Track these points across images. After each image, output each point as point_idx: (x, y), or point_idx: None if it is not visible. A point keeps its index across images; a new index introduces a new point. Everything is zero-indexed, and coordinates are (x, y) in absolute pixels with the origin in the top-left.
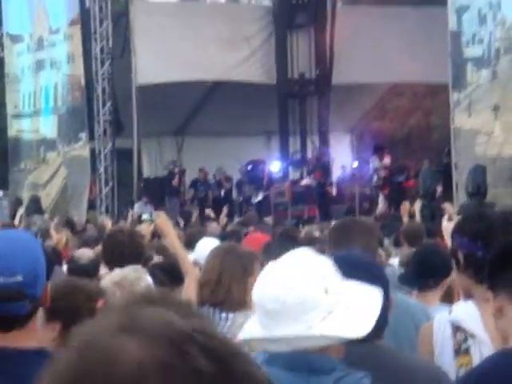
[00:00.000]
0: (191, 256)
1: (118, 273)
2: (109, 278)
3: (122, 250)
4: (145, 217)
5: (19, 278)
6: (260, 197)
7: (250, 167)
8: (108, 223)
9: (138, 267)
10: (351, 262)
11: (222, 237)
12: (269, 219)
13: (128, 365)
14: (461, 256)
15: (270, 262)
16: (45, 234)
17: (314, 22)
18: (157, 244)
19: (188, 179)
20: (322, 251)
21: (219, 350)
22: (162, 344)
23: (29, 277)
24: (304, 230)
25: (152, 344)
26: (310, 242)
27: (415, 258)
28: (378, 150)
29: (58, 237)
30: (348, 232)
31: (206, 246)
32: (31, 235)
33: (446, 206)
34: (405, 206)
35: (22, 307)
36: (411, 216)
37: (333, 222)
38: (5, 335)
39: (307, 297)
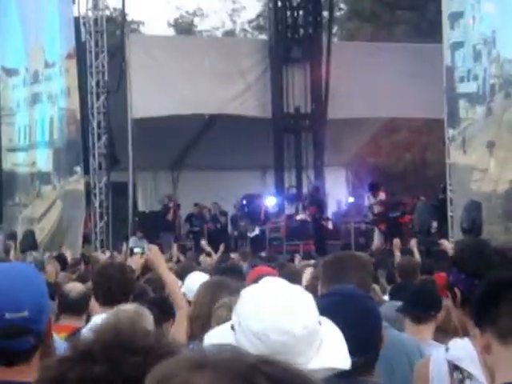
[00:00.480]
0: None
1: (121, 308)
2: (114, 312)
3: (112, 284)
4: (136, 250)
5: (25, 314)
6: (256, 231)
7: (244, 202)
8: (102, 258)
9: (140, 307)
10: (346, 296)
11: (217, 271)
12: (264, 254)
13: None
14: (458, 291)
15: (249, 289)
16: (40, 267)
17: (310, 57)
18: (149, 277)
19: (184, 213)
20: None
21: (284, 378)
22: (231, 376)
23: (34, 312)
24: (297, 261)
25: (222, 377)
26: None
27: (413, 289)
28: (374, 187)
29: (50, 269)
30: (342, 266)
31: (196, 280)
32: (35, 269)
33: (444, 242)
34: (396, 243)
35: (26, 342)
36: (410, 253)
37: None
38: (9, 369)
39: (313, 328)
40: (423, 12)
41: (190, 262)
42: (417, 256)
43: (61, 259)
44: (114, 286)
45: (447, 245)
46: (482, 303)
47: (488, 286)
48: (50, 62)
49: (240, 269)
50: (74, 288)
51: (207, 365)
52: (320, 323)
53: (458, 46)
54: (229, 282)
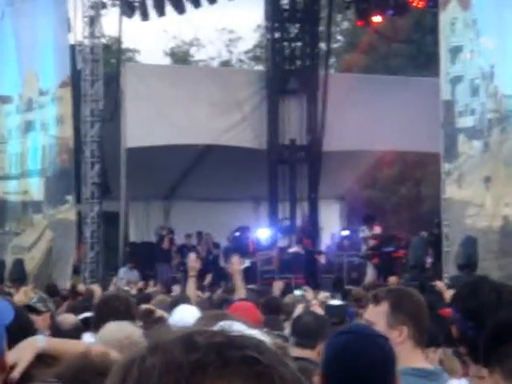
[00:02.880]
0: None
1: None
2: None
3: (117, 318)
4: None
5: None
6: (247, 263)
7: (237, 234)
8: (97, 290)
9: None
10: (361, 335)
11: (208, 305)
12: (254, 287)
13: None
14: (456, 330)
15: None
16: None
17: (307, 89)
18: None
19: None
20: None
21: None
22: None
23: None
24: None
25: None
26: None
27: None
28: (368, 220)
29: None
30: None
31: (184, 312)
32: None
33: (438, 284)
34: (393, 280)
35: None
36: None
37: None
38: None
39: None
40: (420, 45)
41: (184, 294)
42: None
43: (51, 290)
44: (119, 320)
45: (441, 286)
46: (490, 343)
47: (496, 327)
48: (44, 89)
49: (230, 302)
50: (66, 319)
51: (159, 348)
52: None
53: (457, 80)
54: (228, 314)
